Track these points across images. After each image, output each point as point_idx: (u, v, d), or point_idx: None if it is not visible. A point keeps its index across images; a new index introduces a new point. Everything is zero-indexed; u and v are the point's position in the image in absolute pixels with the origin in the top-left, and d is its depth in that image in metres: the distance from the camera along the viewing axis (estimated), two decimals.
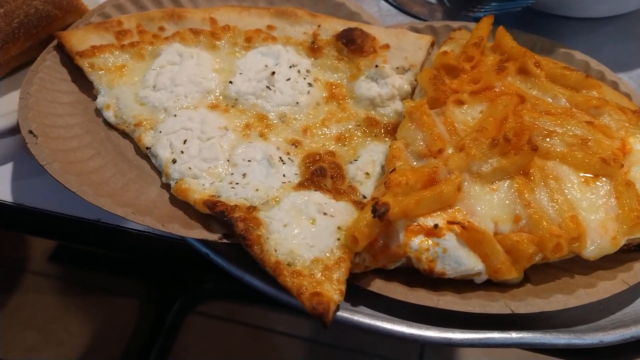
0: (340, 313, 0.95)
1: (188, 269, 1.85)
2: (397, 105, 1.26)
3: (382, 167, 1.15)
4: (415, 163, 1.08)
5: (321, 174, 1.11)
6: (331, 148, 1.19)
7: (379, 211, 0.93)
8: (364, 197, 1.10)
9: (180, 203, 1.09)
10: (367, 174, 1.14)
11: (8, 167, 1.28)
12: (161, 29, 1.36)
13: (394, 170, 1.03)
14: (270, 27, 1.39)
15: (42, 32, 1.35)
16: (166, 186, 1.13)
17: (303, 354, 2.67)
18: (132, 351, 2.59)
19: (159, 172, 1.16)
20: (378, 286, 0.99)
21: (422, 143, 1.09)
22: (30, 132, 1.13)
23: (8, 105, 1.31)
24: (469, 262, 0.97)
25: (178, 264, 1.50)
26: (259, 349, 2.65)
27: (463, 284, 1.01)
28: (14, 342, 2.63)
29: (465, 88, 1.18)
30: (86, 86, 1.29)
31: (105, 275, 2.77)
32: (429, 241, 0.97)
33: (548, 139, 1.09)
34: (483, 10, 1.54)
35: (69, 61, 1.31)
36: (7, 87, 1.37)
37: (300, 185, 1.09)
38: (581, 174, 1.06)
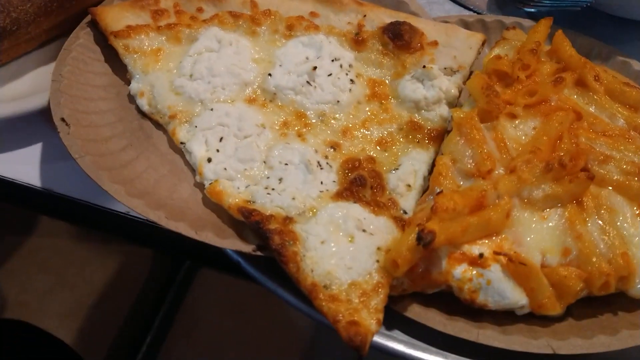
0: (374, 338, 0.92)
1: None
2: (443, 110, 1.19)
3: (424, 178, 1.10)
4: (462, 182, 1.02)
5: (361, 183, 1.05)
6: (371, 153, 1.13)
7: (424, 240, 0.88)
8: (405, 212, 1.05)
9: (213, 204, 1.05)
10: (409, 185, 1.08)
11: (37, 148, 1.24)
12: (199, 10, 1.29)
13: (440, 192, 0.98)
14: (313, 14, 1.31)
15: (76, 6, 1.29)
16: (199, 185, 1.09)
17: None
18: (143, 301, 2.61)
19: (191, 167, 1.11)
20: (415, 312, 0.95)
21: (470, 161, 1.03)
22: (63, 119, 1.08)
23: (37, 82, 1.27)
24: (513, 296, 0.93)
25: None
26: (268, 305, 2.65)
27: (503, 314, 0.97)
28: (29, 283, 2.66)
29: (519, 101, 1.11)
30: (119, 67, 1.24)
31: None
32: (473, 271, 0.93)
33: (604, 165, 1.03)
34: (538, 5, 1.45)
35: (102, 38, 1.25)
36: (37, 61, 1.32)
37: (339, 195, 1.04)
38: (635, 208, 1.00)
